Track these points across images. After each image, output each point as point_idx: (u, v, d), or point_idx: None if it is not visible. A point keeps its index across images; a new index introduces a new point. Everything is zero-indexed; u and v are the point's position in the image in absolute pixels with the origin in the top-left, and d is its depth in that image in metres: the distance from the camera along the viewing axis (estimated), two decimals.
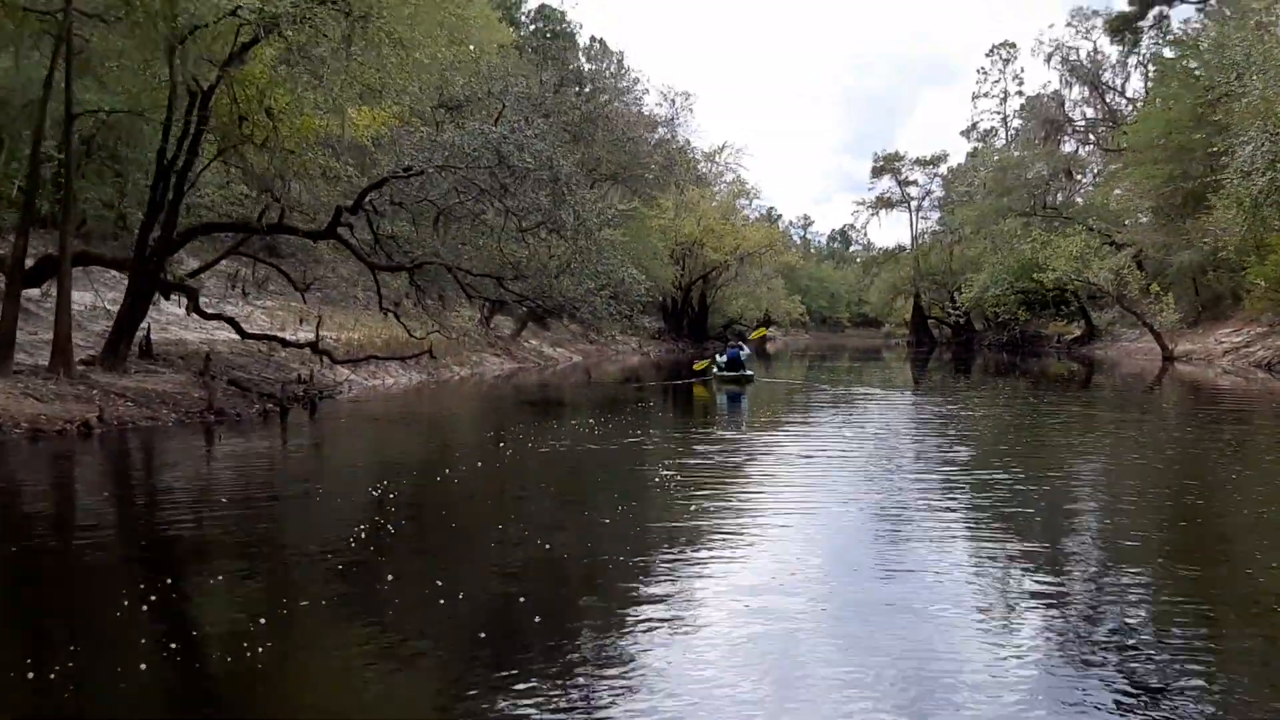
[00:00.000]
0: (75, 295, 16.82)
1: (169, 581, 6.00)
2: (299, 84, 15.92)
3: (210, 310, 19.51)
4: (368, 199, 17.49)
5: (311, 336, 19.58)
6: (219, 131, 16.73)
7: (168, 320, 21.61)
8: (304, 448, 14.01)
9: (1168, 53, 47.76)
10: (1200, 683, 4.40)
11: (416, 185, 17.32)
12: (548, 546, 7.13)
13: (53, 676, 4.40)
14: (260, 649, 4.74)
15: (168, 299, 19.79)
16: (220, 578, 6.31)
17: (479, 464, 11.65)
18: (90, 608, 5.76)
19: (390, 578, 6.24)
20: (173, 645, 4.97)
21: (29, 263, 16.50)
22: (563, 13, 49.54)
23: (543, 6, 49.25)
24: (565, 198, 17.12)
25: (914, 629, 5.13)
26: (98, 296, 19.72)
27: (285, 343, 19.57)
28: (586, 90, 36.11)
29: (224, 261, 24.35)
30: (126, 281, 17.27)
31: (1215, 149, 25.84)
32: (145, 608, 5.46)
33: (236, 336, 19.30)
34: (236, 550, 7.20)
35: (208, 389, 15.50)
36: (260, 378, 18.28)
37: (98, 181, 19.18)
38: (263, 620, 5.22)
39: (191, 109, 15.74)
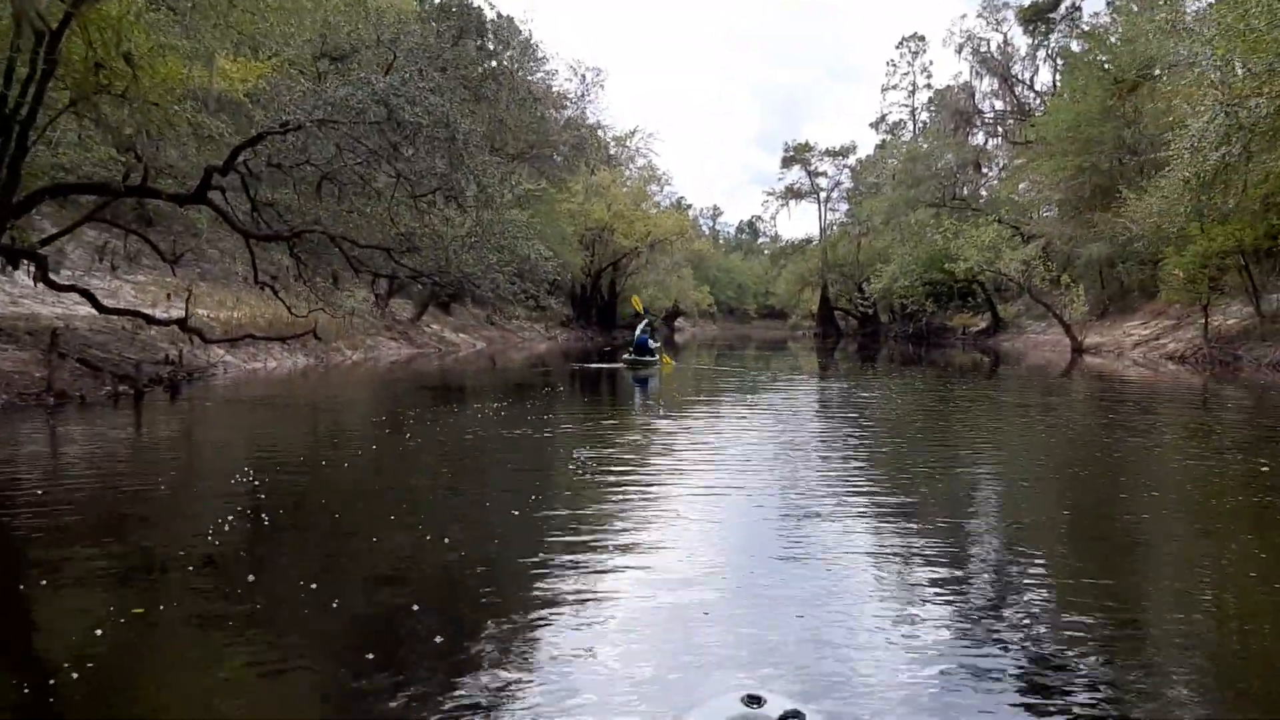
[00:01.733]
0: None
1: None
2: (163, 27, 14.13)
3: (69, 282, 17.49)
4: (241, 158, 15.64)
5: (182, 313, 17.68)
6: (71, 79, 14.79)
7: (21, 293, 19.52)
8: (160, 434, 12.27)
9: (1075, 46, 48.12)
10: (1102, 670, 4.22)
11: (297, 144, 15.52)
12: (445, 540, 6.20)
13: None
14: (99, 660, 4.13)
15: (16, 268, 17.67)
16: (44, 583, 5.25)
17: (373, 448, 10.71)
18: None
19: (252, 579, 5.28)
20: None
21: None
22: None
23: None
24: (464, 161, 15.50)
25: (816, 616, 4.88)
26: None
27: (150, 319, 17.58)
28: (491, 47, 34.21)
29: (92, 232, 22.25)
30: None
31: (1126, 139, 25.13)
32: None
33: (96, 312, 17.29)
34: (63, 550, 5.97)
35: (49, 367, 13.63)
36: (119, 357, 16.37)
37: None
38: (99, 631, 4.44)
39: (38, 51, 13.81)
